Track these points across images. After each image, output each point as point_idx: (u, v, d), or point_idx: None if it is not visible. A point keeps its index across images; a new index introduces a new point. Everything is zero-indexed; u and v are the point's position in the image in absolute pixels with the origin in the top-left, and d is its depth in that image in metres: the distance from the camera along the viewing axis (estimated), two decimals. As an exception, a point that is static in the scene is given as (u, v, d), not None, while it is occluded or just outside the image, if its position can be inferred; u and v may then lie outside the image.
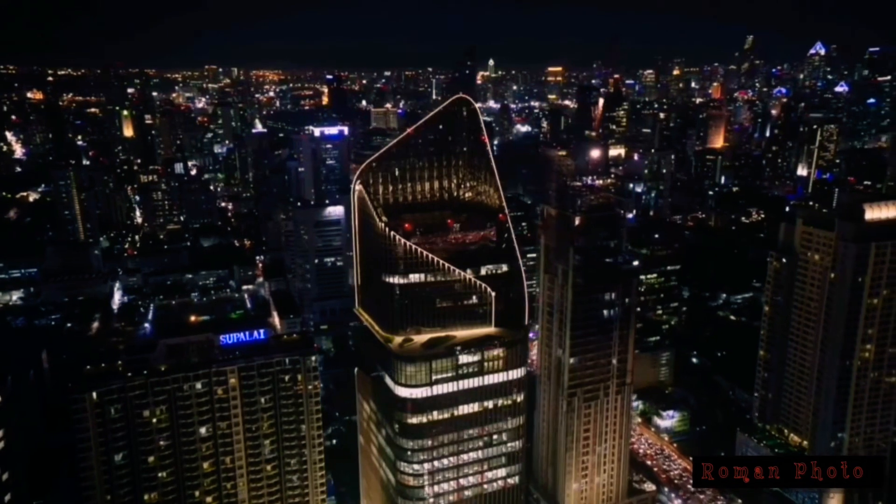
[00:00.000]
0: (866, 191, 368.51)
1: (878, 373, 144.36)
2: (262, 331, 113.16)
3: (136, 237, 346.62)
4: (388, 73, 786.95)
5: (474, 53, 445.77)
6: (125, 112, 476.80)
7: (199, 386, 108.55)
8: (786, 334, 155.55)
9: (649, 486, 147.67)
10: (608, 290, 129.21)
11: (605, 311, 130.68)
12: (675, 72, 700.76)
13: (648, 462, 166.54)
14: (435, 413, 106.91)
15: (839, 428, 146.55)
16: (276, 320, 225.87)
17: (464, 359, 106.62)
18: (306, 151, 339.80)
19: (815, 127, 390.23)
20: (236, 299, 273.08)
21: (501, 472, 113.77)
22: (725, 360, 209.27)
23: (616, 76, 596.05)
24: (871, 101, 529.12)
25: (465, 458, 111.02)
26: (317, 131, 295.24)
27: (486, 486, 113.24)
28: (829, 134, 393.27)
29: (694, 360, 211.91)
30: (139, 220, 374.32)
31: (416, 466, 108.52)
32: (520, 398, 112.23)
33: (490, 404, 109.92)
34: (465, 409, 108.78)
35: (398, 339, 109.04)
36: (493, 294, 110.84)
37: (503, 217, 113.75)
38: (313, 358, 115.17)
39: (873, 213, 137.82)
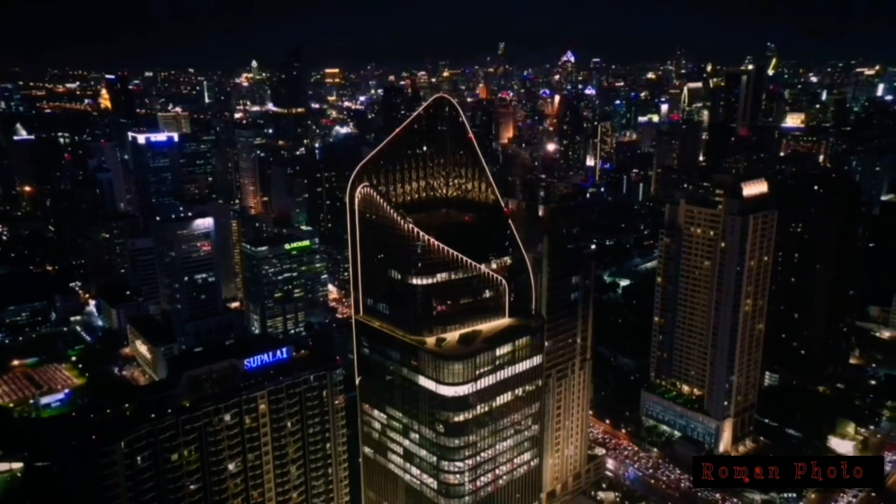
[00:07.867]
0: (638, 177, 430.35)
1: (752, 322, 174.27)
2: (284, 349, 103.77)
3: None
4: (148, 74, 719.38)
5: (300, 54, 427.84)
6: None
7: (227, 418, 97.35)
8: (675, 300, 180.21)
9: (600, 451, 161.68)
10: (575, 275, 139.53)
11: (572, 294, 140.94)
12: (445, 73, 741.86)
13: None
14: (478, 407, 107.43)
15: (730, 372, 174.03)
16: (145, 350, 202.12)
17: (499, 351, 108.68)
18: (111, 160, 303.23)
19: (596, 124, 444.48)
20: (66, 333, 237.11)
21: (527, 455, 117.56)
22: (597, 332, 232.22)
23: (406, 77, 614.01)
24: (618, 102, 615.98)
25: (498, 448, 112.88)
26: (141, 138, 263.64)
27: (514, 471, 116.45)
28: (606, 130, 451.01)
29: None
30: None
31: (459, 464, 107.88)
32: (540, 382, 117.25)
33: (520, 391, 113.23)
34: (500, 400, 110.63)
35: (431, 340, 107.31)
36: (506, 285, 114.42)
37: (507, 211, 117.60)
38: (337, 371, 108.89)
39: (748, 190, 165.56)
